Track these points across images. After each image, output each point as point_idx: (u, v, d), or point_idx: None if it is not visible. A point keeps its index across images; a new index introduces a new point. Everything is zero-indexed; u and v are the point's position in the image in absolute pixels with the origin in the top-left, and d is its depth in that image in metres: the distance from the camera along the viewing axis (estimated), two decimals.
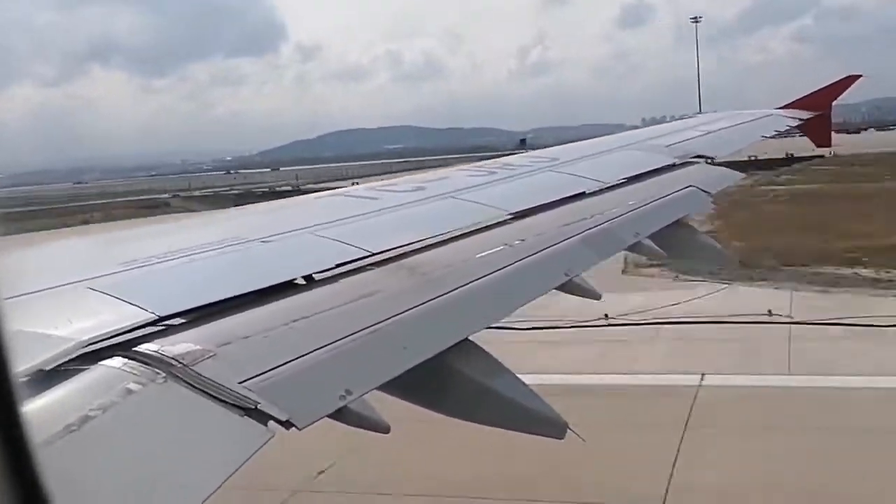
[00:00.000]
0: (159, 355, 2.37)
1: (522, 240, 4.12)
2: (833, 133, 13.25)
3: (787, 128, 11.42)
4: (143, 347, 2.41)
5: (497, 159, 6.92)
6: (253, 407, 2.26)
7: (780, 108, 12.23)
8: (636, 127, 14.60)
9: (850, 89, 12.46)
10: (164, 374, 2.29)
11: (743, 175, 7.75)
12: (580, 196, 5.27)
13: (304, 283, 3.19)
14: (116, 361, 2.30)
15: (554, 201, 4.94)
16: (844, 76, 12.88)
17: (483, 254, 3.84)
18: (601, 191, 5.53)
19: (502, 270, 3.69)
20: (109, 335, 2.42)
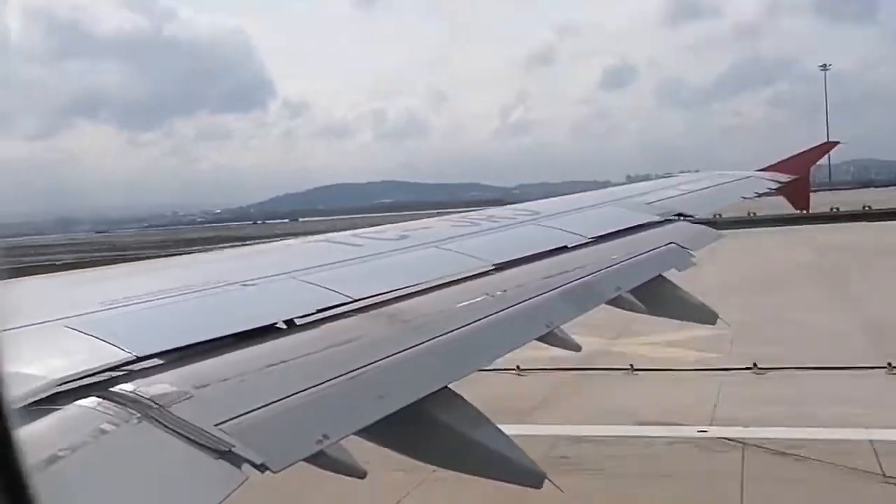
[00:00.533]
0: (135, 396, 2.35)
1: (504, 290, 4.14)
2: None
3: (767, 189, 11.60)
4: (119, 387, 2.38)
5: (481, 211, 6.98)
6: (228, 450, 2.24)
7: (760, 170, 12.46)
8: (621, 184, 14.74)
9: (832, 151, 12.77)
10: (139, 415, 2.26)
11: (722, 234, 7.85)
12: (562, 249, 5.31)
13: (285, 327, 3.18)
14: (90, 401, 2.28)
15: (536, 254, 4.98)
16: (823, 142, 13.21)
17: (464, 303, 3.85)
18: (583, 245, 5.57)
19: (483, 320, 3.70)
20: (85, 374, 2.40)
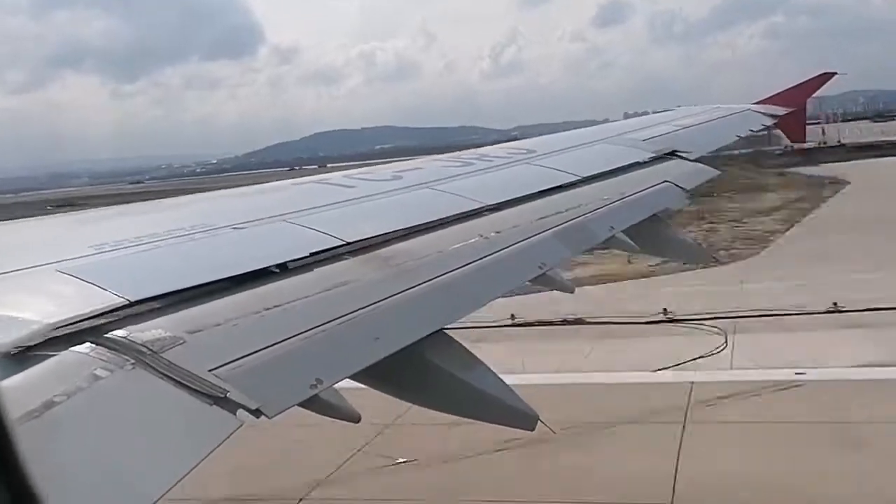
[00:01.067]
0: (128, 341, 2.34)
1: (497, 232, 4.12)
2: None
3: (762, 126, 11.52)
4: (112, 333, 2.38)
5: (474, 150, 6.91)
6: (222, 395, 2.24)
7: (756, 103, 12.35)
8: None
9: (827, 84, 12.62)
10: (132, 361, 2.26)
11: (718, 172, 7.79)
12: (555, 189, 5.28)
13: (278, 271, 3.16)
14: (84, 347, 2.27)
15: (529, 194, 4.95)
16: (821, 73, 13.02)
17: (458, 245, 3.84)
18: (576, 184, 5.53)
19: (477, 262, 3.69)
20: (77, 319, 2.38)
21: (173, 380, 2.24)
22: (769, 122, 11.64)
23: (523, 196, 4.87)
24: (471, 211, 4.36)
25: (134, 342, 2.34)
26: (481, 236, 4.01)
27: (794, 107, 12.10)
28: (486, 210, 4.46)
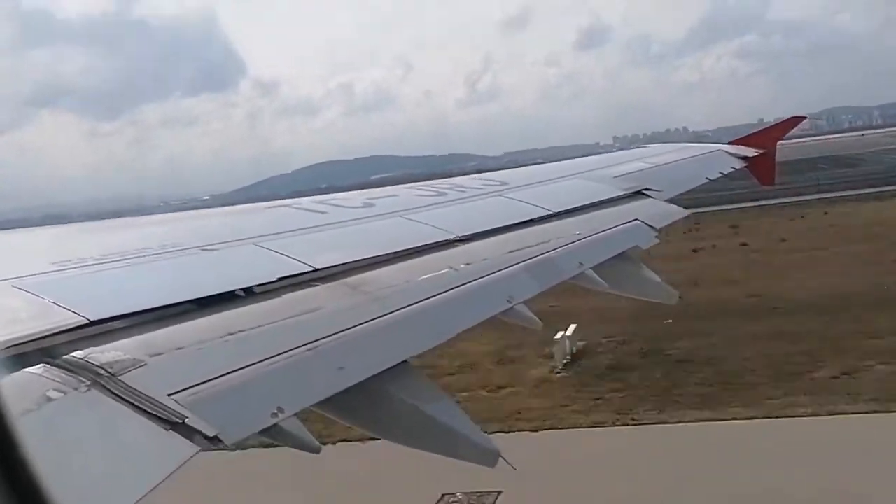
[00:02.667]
0: (85, 362, 2.28)
1: (467, 264, 4.10)
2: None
3: (732, 169, 11.68)
4: (69, 353, 2.31)
5: (448, 179, 6.91)
6: (180, 421, 2.19)
7: (729, 143, 12.56)
8: (610, 146, 14.71)
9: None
10: (88, 383, 2.20)
11: (688, 212, 7.87)
12: (527, 223, 5.29)
13: (244, 295, 3.11)
14: (38, 367, 2.20)
15: (501, 227, 4.95)
16: (791, 117, 13.35)
17: (427, 276, 3.81)
18: (548, 218, 5.55)
19: (445, 294, 3.67)
20: (32, 338, 2.32)
21: (130, 403, 2.18)
22: (739, 164, 11.81)
23: (495, 228, 4.87)
24: (442, 241, 4.35)
25: (91, 363, 2.28)
26: (451, 268, 3.99)
27: (765, 149, 12.31)
28: (458, 241, 4.45)
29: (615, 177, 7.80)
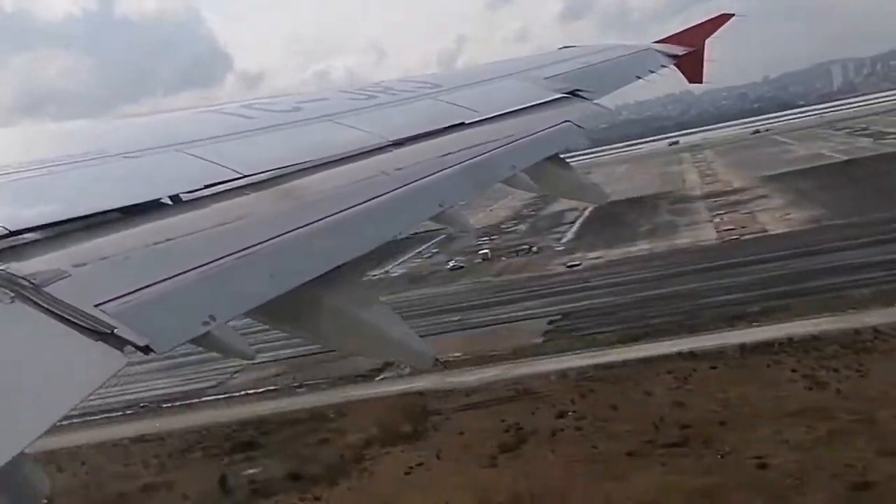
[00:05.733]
0: (7, 274, 2.23)
1: (399, 168, 4.08)
2: None
3: (662, 67, 11.72)
4: None
5: (379, 82, 6.78)
6: (109, 331, 2.17)
7: (657, 41, 12.56)
8: None
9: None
10: (11, 295, 2.16)
11: (611, 108, 7.93)
12: (459, 126, 5.25)
13: (170, 203, 3.05)
14: None
15: (433, 130, 4.91)
16: (719, 13, 13.30)
17: (359, 181, 3.78)
18: (480, 121, 5.52)
19: (377, 199, 3.65)
20: None
21: (56, 315, 2.15)
22: (668, 62, 11.86)
23: (427, 132, 4.83)
24: (373, 146, 4.30)
25: (13, 275, 2.23)
26: (383, 172, 3.96)
27: (693, 47, 12.36)
28: (389, 146, 4.40)
29: (546, 77, 7.76)
